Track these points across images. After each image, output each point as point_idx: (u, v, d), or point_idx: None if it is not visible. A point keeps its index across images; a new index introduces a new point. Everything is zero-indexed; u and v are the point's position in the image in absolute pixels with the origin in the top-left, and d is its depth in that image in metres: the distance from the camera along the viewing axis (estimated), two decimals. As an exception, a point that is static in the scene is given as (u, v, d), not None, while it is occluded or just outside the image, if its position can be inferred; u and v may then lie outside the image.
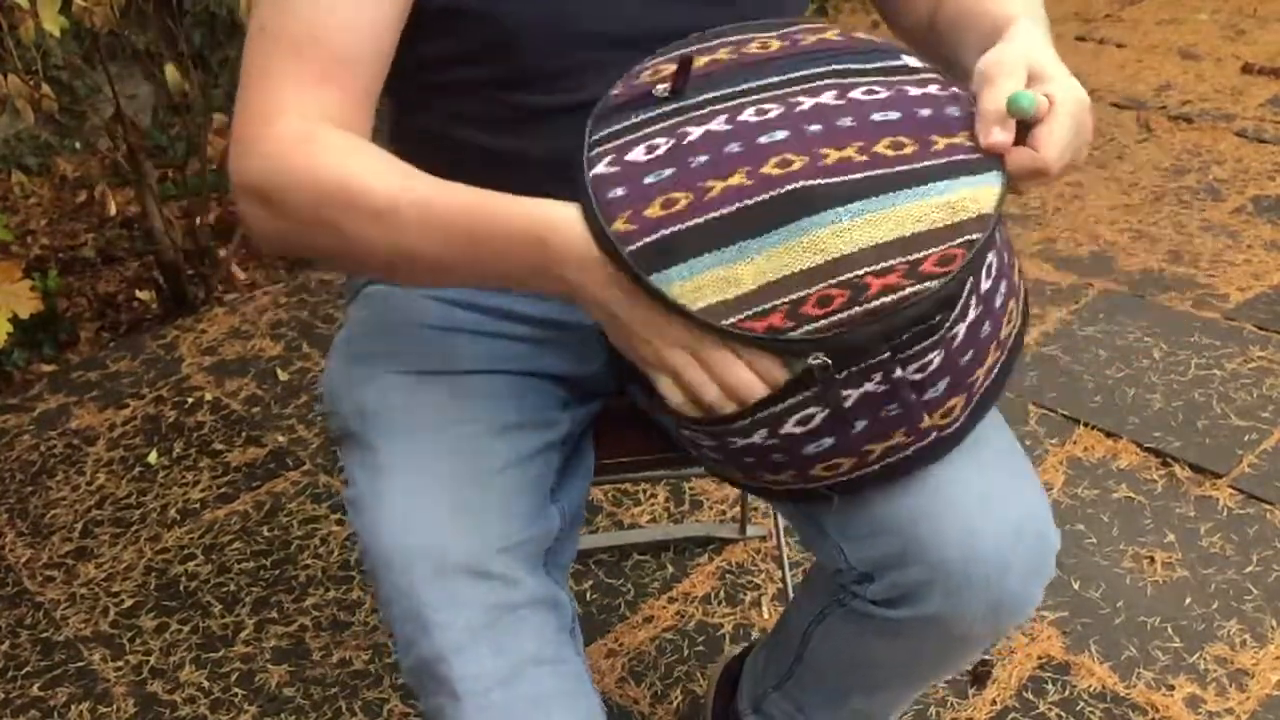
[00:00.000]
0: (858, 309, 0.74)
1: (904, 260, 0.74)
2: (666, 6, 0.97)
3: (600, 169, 0.80)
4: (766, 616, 1.62)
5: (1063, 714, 1.43)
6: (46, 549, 1.88)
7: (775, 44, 0.88)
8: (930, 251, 0.75)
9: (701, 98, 0.83)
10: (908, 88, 0.84)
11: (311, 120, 0.87)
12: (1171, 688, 1.46)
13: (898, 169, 0.78)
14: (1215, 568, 1.63)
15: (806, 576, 1.16)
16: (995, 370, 0.85)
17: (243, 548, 1.83)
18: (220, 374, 2.27)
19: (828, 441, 0.81)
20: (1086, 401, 1.96)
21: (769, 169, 0.77)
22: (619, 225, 0.77)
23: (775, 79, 0.84)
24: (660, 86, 0.84)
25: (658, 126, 0.82)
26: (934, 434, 0.83)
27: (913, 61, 0.87)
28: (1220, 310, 2.18)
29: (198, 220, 2.54)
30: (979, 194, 0.77)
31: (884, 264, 0.74)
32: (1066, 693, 1.46)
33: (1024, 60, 0.82)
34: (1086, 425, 1.90)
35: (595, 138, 0.82)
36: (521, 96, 0.98)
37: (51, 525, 1.92)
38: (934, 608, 0.91)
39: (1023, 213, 2.58)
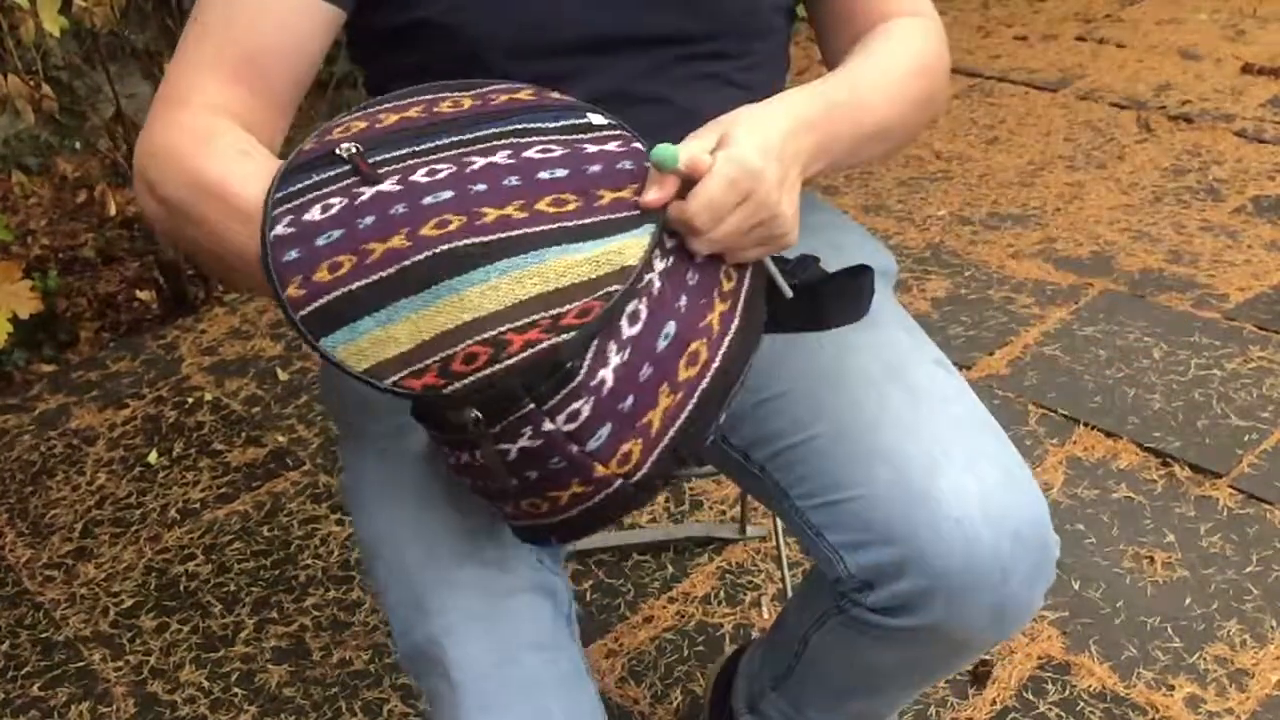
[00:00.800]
0: (498, 366, 0.75)
1: (546, 315, 0.76)
2: (629, 13, 0.98)
3: (279, 230, 0.81)
4: (766, 616, 1.62)
5: (1063, 714, 1.43)
6: (46, 549, 1.88)
7: (467, 102, 0.89)
8: (571, 306, 0.76)
9: (381, 157, 0.84)
10: (585, 145, 0.86)
11: (219, 115, 0.92)
12: (1171, 688, 1.46)
13: (554, 225, 0.80)
14: (1215, 568, 1.63)
15: (805, 579, 1.16)
16: (683, 413, 0.85)
17: (243, 548, 1.83)
18: (220, 374, 2.27)
19: (513, 483, 0.83)
20: (1086, 401, 1.96)
21: (427, 230, 0.79)
22: (291, 290, 0.79)
23: (455, 138, 0.86)
24: (345, 145, 0.85)
25: (336, 186, 0.83)
26: (619, 481, 0.83)
27: (599, 119, 0.89)
28: (1220, 310, 2.18)
29: (198, 220, 2.53)
30: (626, 247, 0.79)
31: (526, 320, 0.76)
32: (1066, 693, 1.46)
33: (724, 128, 0.84)
34: (1086, 425, 1.90)
35: (278, 195, 0.83)
36: None
37: (51, 525, 1.92)
38: (935, 616, 0.91)
39: (1023, 213, 2.58)
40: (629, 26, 0.99)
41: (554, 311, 0.76)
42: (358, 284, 0.78)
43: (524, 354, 0.75)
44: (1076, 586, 1.61)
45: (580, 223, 0.80)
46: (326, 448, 2.03)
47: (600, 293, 0.77)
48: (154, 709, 1.58)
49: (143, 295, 2.54)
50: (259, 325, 2.42)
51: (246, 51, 0.93)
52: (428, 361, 0.77)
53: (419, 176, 0.82)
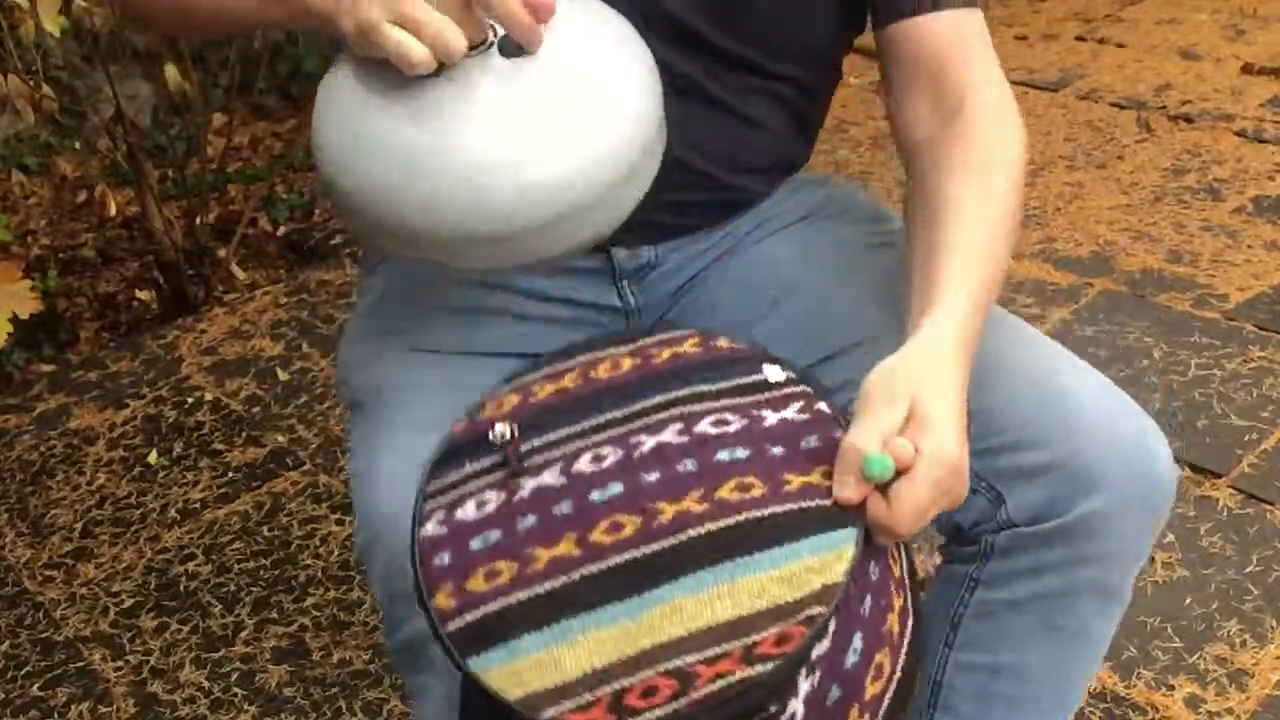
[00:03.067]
0: (684, 700, 0.66)
1: (738, 643, 0.68)
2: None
3: (429, 529, 0.76)
4: (766, 616, 1.61)
5: (1063, 714, 1.43)
6: (46, 549, 1.88)
7: (626, 363, 0.83)
8: (768, 632, 0.68)
9: (538, 442, 0.79)
10: (764, 413, 0.79)
11: None
12: (1171, 688, 1.46)
13: (740, 519, 0.72)
14: (1215, 568, 1.63)
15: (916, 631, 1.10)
16: None
17: (243, 548, 1.83)
18: (220, 374, 2.27)
19: None
20: (1086, 401, 1.95)
21: (598, 535, 0.72)
22: (440, 600, 0.73)
23: (617, 413, 0.79)
24: (499, 428, 0.79)
25: (490, 479, 0.78)
26: None
27: (775, 374, 0.82)
28: (1220, 310, 2.18)
29: (198, 220, 2.54)
30: (826, 561, 0.70)
31: (717, 649, 0.67)
32: (1066, 693, 1.46)
33: (910, 391, 0.77)
34: (1086, 425, 1.90)
35: (430, 488, 0.78)
36: None
37: (51, 525, 1.92)
38: (1091, 505, 0.91)
39: (1023, 213, 2.58)
40: (696, 24, 0.99)
41: (747, 641, 0.67)
42: (517, 597, 0.71)
43: (713, 687, 0.66)
44: (1076, 586, 1.61)
45: (769, 516, 0.72)
46: (326, 448, 2.03)
47: (802, 616, 0.68)
48: (154, 709, 1.58)
49: (143, 295, 2.54)
50: (259, 325, 2.42)
51: None
52: (597, 693, 0.67)
53: (583, 465, 0.76)
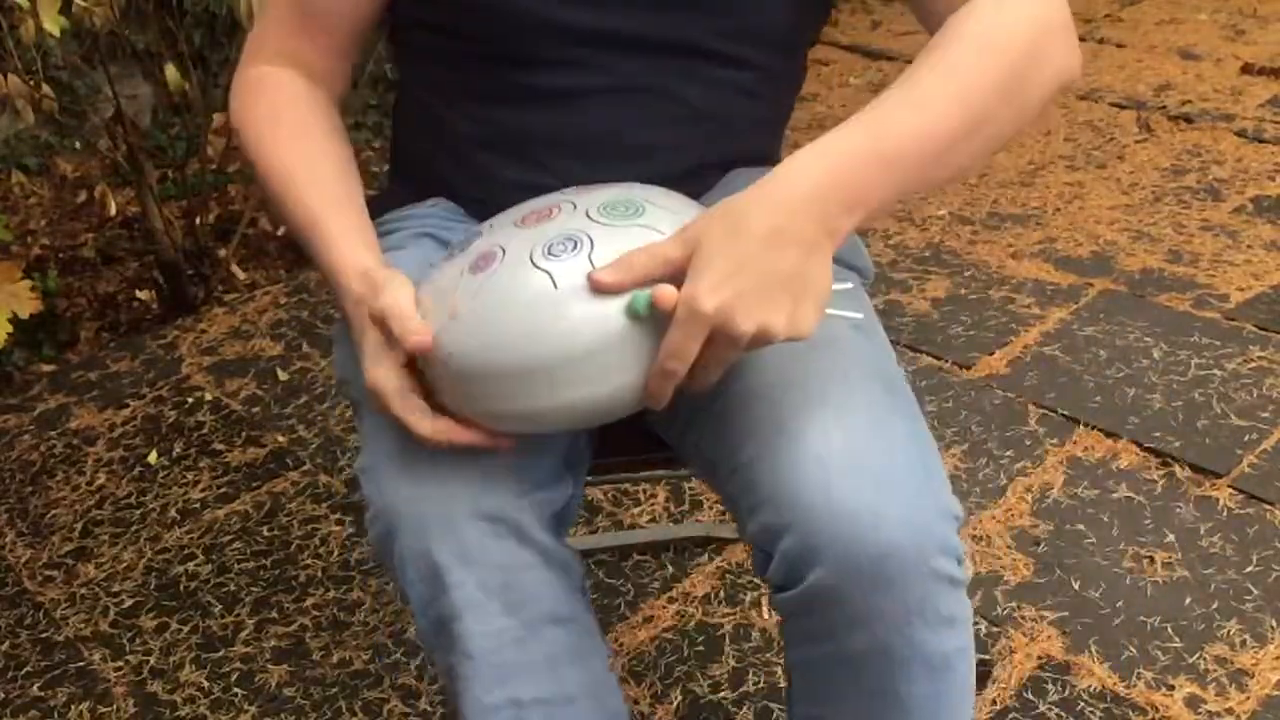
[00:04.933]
0: None
1: None
2: (641, 14, 1.00)
3: None
4: (767, 617, 1.62)
5: (1063, 714, 1.43)
6: (46, 549, 1.88)
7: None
8: None
9: None
10: None
11: (279, 66, 1.09)
12: (1171, 688, 1.46)
13: None
14: (1215, 568, 1.63)
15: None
16: None
17: (243, 548, 1.83)
18: (220, 374, 2.27)
19: None
20: (1086, 401, 1.96)
21: None
22: None
23: None
24: None
25: None
26: None
27: None
28: (1220, 310, 2.18)
29: (198, 220, 2.54)
30: None
31: None
32: (1066, 693, 1.46)
33: (696, 232, 0.80)
34: (1086, 425, 1.90)
35: None
36: (506, 74, 1.04)
37: (51, 525, 1.93)
38: (816, 576, 0.85)
39: (1023, 213, 2.58)
40: (641, 28, 1.00)
41: None
42: None
43: None
44: (1076, 586, 1.61)
45: None
46: (326, 448, 2.03)
47: None
48: (154, 709, 1.58)
49: (143, 295, 2.54)
50: (259, 325, 2.42)
51: (308, 9, 1.08)
52: None
53: None
